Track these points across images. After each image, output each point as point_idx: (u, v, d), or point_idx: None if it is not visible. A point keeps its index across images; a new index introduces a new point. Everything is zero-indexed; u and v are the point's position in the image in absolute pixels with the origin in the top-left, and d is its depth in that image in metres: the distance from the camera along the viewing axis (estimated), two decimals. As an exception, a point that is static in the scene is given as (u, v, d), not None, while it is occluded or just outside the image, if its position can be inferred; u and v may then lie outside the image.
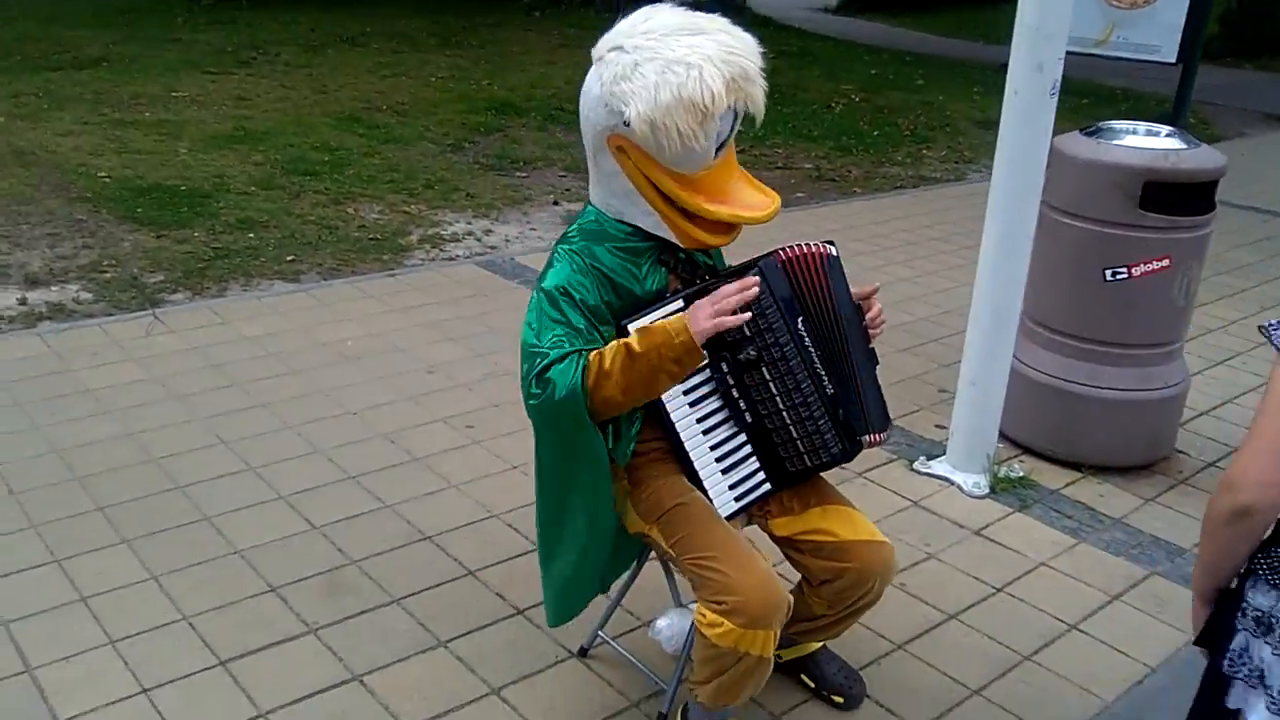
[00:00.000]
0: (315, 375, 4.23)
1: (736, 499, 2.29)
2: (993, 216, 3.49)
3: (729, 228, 2.16)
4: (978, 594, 3.13)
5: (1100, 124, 3.84)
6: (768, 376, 2.21)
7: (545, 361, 2.06)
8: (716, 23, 2.08)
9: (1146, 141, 3.65)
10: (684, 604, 2.43)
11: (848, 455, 2.29)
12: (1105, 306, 3.70)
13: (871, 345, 2.29)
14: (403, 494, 3.44)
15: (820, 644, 2.63)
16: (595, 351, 2.06)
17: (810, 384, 2.23)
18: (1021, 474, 3.78)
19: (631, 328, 2.11)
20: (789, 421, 2.25)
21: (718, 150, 2.09)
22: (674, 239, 2.17)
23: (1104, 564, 3.32)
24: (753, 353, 2.19)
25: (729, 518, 2.26)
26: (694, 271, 2.26)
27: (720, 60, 2.00)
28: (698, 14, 2.10)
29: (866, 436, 2.29)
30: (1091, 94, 12.02)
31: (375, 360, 4.38)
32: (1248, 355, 5.08)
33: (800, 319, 2.22)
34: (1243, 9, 16.60)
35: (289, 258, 5.55)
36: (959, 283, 5.75)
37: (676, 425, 2.22)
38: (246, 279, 5.24)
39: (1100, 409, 3.78)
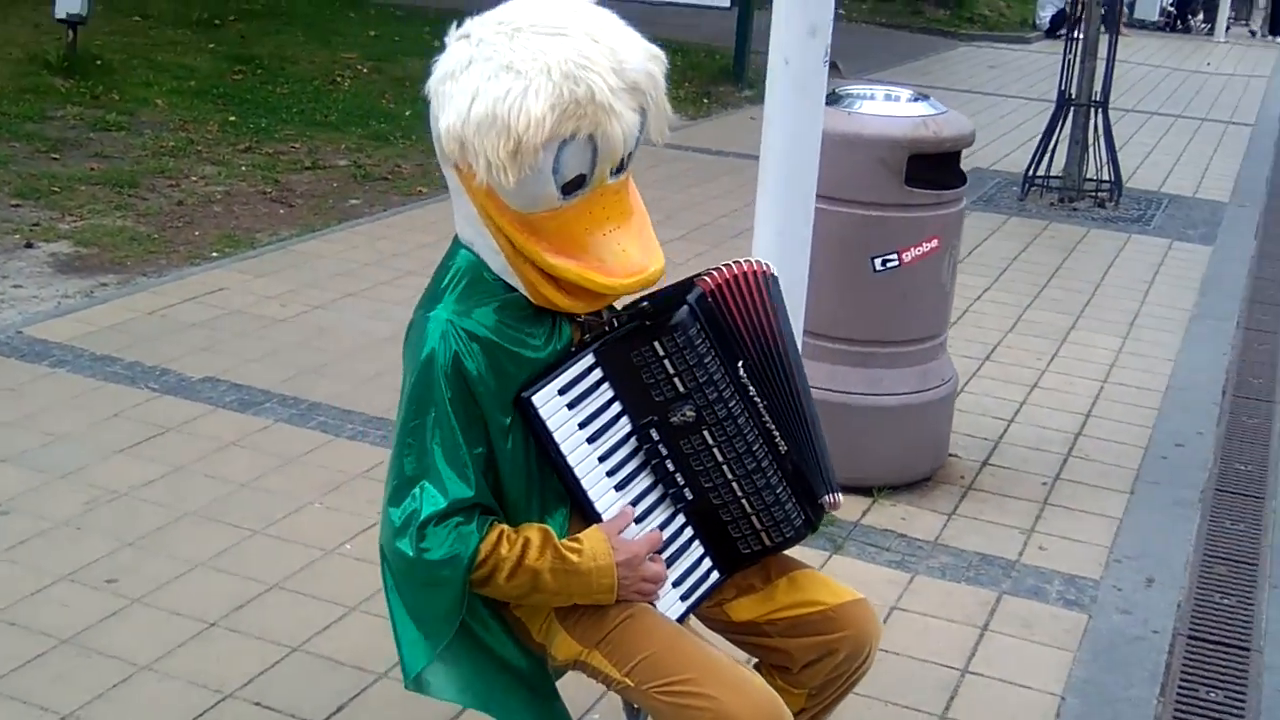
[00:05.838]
0: None
1: (683, 598, 2.35)
2: (766, 212, 3.82)
3: (589, 293, 2.18)
4: (850, 660, 3.44)
5: (835, 89, 4.33)
6: (710, 441, 2.30)
7: (435, 512, 2.12)
8: (587, 18, 2.08)
9: (895, 108, 4.20)
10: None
11: (812, 526, 2.42)
12: (878, 301, 4.20)
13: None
14: (74, 697, 3.10)
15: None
16: (507, 537, 2.16)
17: (762, 445, 2.33)
18: (816, 510, 4.16)
19: (536, 401, 2.16)
20: (740, 494, 2.33)
21: (570, 190, 2.10)
22: (522, 289, 2.20)
23: (952, 595, 3.79)
24: (690, 414, 2.27)
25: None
26: (599, 318, 2.31)
27: (562, 74, 1.99)
28: (574, 2, 2.13)
29: (827, 498, 2.44)
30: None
31: (-94, 509, 3.85)
32: (953, 335, 5.90)
33: (741, 363, 2.33)
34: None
35: None
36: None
37: (603, 518, 2.26)
38: None
39: (883, 420, 4.28)
